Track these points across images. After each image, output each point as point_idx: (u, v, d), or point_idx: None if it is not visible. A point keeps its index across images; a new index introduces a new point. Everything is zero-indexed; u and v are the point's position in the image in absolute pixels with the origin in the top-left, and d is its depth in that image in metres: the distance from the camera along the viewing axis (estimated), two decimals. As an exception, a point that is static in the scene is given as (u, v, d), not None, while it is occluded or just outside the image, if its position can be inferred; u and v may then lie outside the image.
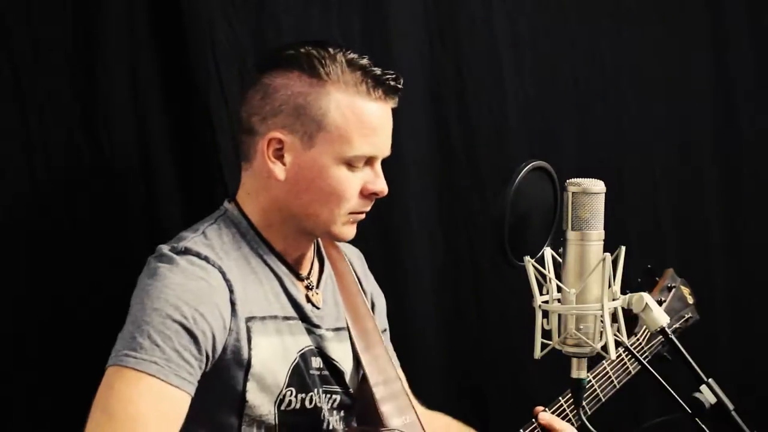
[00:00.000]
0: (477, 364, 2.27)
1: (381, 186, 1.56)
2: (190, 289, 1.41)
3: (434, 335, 2.22)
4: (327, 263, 1.70)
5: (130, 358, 1.34)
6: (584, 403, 1.75)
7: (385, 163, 2.08)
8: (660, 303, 1.93)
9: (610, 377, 1.83)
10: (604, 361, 1.76)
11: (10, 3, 1.67)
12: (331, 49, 1.52)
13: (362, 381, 1.66)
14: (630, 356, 1.83)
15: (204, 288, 1.43)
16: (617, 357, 1.78)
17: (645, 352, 1.87)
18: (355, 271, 1.76)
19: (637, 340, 1.87)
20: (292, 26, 1.96)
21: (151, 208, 1.81)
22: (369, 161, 1.55)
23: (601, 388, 1.82)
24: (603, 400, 1.82)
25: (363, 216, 1.58)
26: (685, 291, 2.00)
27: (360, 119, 1.51)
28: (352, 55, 1.52)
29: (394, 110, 1.59)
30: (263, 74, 1.55)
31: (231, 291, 1.45)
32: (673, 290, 1.98)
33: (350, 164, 1.52)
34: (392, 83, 1.54)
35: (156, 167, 1.82)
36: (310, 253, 1.65)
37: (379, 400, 1.63)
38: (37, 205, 1.71)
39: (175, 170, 1.84)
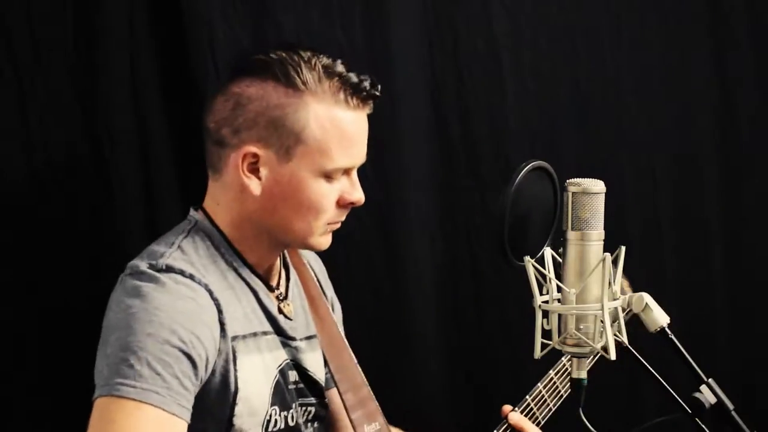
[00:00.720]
0: (477, 364, 2.27)
1: (358, 196, 1.51)
2: (181, 311, 1.34)
3: (434, 335, 2.21)
4: (292, 270, 1.65)
5: (129, 387, 1.27)
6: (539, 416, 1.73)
7: (385, 163, 2.09)
8: None
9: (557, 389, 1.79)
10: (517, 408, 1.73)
11: (10, 3, 1.67)
12: (305, 55, 1.46)
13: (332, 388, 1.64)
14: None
15: (195, 308, 1.36)
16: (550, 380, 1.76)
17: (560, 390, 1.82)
18: (316, 276, 1.72)
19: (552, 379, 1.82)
20: (292, 26, 1.96)
21: (151, 208, 1.81)
22: (346, 171, 1.50)
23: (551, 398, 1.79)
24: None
25: (339, 225, 1.54)
26: (624, 283, 1.98)
27: (339, 131, 1.45)
28: (326, 61, 1.46)
29: (390, 110, 1.58)
30: (233, 82, 1.48)
31: (219, 311, 1.40)
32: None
33: (328, 176, 1.47)
34: (370, 90, 1.48)
35: (156, 167, 1.82)
36: (278, 263, 1.60)
37: (349, 407, 1.58)
38: (37, 205, 1.72)
39: (175, 170, 1.84)
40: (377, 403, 1.65)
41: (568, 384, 1.74)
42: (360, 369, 1.67)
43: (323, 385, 1.61)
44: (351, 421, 1.58)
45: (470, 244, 2.25)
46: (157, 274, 1.37)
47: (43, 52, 1.70)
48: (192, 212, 1.53)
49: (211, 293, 1.39)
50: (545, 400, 1.72)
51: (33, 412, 1.70)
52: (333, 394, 1.66)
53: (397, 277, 2.14)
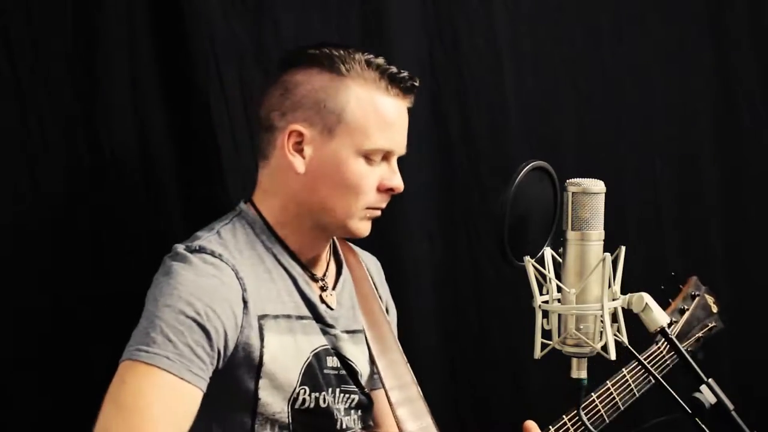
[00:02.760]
0: (477, 364, 2.27)
1: (397, 182, 1.60)
2: (202, 286, 1.42)
3: (434, 335, 2.22)
4: (345, 267, 1.71)
5: (142, 352, 1.35)
6: (603, 412, 1.75)
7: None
8: (683, 311, 1.93)
9: (628, 384, 1.81)
10: (623, 369, 1.75)
11: (10, 3, 1.67)
12: (350, 49, 1.57)
13: (378, 383, 1.67)
14: (656, 361, 1.82)
15: (217, 285, 1.44)
16: (637, 364, 1.76)
17: (666, 360, 1.85)
18: (372, 277, 1.77)
19: (658, 348, 1.85)
20: (292, 26, 1.96)
21: (151, 208, 1.81)
22: (385, 156, 1.58)
23: (620, 395, 1.81)
24: (622, 408, 1.81)
25: (379, 213, 1.61)
26: (710, 299, 1.99)
27: (378, 113, 1.54)
28: (369, 55, 1.56)
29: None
30: (284, 73, 1.58)
31: (243, 289, 1.47)
32: (697, 298, 1.97)
33: (368, 157, 1.55)
34: (408, 82, 1.58)
35: (156, 167, 1.82)
36: (325, 255, 1.66)
37: (395, 403, 1.63)
38: (37, 205, 1.71)
39: (175, 170, 1.84)
40: (427, 404, 1.68)
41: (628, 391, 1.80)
42: (411, 371, 1.71)
43: (364, 377, 1.65)
44: (396, 416, 1.62)
45: (470, 244, 2.25)
46: (189, 254, 1.47)
47: (43, 52, 1.70)
48: (240, 204, 1.61)
49: (236, 273, 1.47)
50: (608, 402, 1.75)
51: (33, 412, 1.70)
52: (379, 395, 1.70)
53: (397, 277, 2.13)
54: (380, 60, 1.56)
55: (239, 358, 1.46)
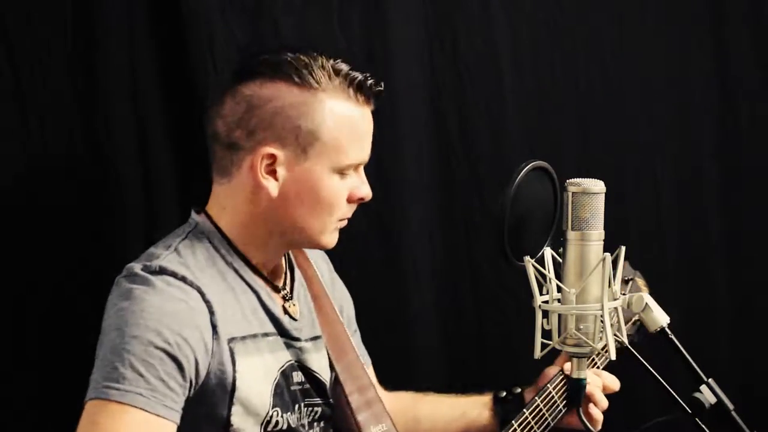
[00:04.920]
0: (477, 364, 2.27)
1: (366, 191, 1.53)
2: (169, 313, 1.34)
3: (434, 335, 2.22)
4: (297, 271, 1.65)
5: (113, 390, 1.28)
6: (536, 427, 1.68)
7: (385, 163, 2.09)
8: None
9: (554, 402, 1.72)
10: (548, 385, 1.69)
11: (10, 3, 1.67)
12: (311, 54, 1.47)
13: (337, 390, 1.62)
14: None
15: (184, 310, 1.36)
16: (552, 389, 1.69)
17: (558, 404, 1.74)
18: (322, 275, 1.71)
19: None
20: (291, 26, 1.96)
21: (151, 208, 1.81)
22: (355, 167, 1.52)
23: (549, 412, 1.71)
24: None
25: (346, 222, 1.55)
26: (640, 282, 1.97)
27: (351, 127, 1.48)
28: (332, 61, 1.48)
29: (390, 110, 1.59)
30: (241, 84, 1.47)
31: (211, 312, 1.39)
32: (630, 282, 1.95)
33: (342, 173, 1.48)
34: (374, 87, 1.51)
35: (156, 167, 1.82)
36: (283, 263, 1.60)
37: (355, 409, 1.59)
38: (37, 205, 1.72)
39: (174, 170, 1.84)
40: (384, 405, 1.64)
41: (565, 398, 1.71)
42: (366, 370, 1.67)
43: (328, 385, 1.61)
44: (357, 422, 1.58)
45: (470, 244, 2.25)
46: (150, 276, 1.37)
47: (43, 52, 1.70)
48: (193, 215, 1.53)
49: (203, 295, 1.39)
50: (543, 414, 1.70)
51: (33, 412, 1.70)
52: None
53: (397, 277, 2.14)
54: (345, 66, 1.47)
55: (212, 385, 1.39)
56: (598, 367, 1.76)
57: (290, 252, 1.64)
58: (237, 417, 1.42)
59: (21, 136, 1.70)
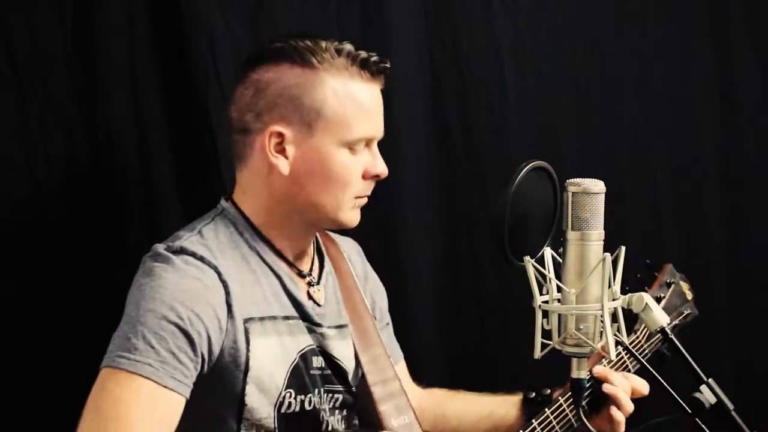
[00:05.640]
0: (477, 364, 2.27)
1: (381, 168, 1.57)
2: (185, 289, 1.39)
3: (434, 335, 2.22)
4: (327, 260, 1.68)
5: (124, 359, 1.32)
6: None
7: (385, 163, 2.08)
8: (659, 299, 1.91)
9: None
10: (603, 360, 1.73)
11: (10, 3, 1.67)
12: (316, 39, 1.53)
13: (361, 380, 1.65)
14: (629, 355, 1.81)
15: (199, 288, 1.41)
16: (617, 356, 1.74)
17: (644, 350, 1.83)
18: (354, 267, 1.74)
19: (637, 338, 1.84)
20: (291, 26, 1.96)
21: (151, 208, 1.82)
22: (367, 143, 1.55)
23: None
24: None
25: (366, 200, 1.58)
26: (684, 286, 1.98)
27: (356, 102, 1.51)
28: (336, 43, 1.52)
29: (390, 110, 1.60)
30: (251, 71, 1.54)
31: (227, 292, 1.44)
32: (672, 286, 1.95)
33: (351, 147, 1.52)
34: (379, 64, 1.54)
35: (156, 167, 1.82)
36: (311, 249, 1.64)
37: (378, 400, 1.61)
38: (37, 205, 1.72)
39: (174, 170, 1.84)
40: (408, 398, 1.66)
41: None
42: (399, 355, 1.72)
43: (350, 374, 1.63)
44: (379, 413, 1.60)
45: (470, 244, 2.25)
46: (170, 255, 1.43)
47: (43, 52, 1.71)
48: (222, 201, 1.58)
49: (220, 275, 1.44)
50: (566, 415, 1.71)
51: (33, 412, 1.70)
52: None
53: (397, 277, 2.14)
54: (348, 46, 1.52)
55: (225, 363, 1.43)
56: (629, 371, 1.77)
57: (321, 241, 1.68)
58: (251, 396, 1.45)
59: (21, 136, 1.70)
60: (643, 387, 1.70)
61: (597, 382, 1.67)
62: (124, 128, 1.79)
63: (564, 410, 1.69)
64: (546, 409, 1.67)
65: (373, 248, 2.07)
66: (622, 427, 1.68)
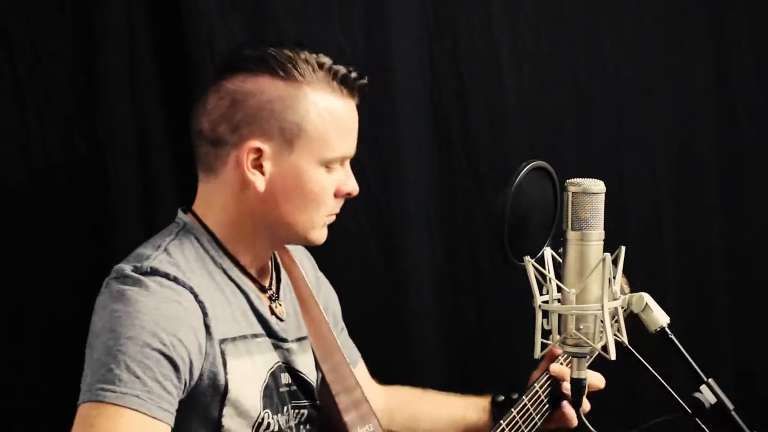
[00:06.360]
0: (477, 365, 2.27)
1: (353, 185, 1.52)
2: (165, 314, 1.32)
3: (434, 335, 2.22)
4: (283, 272, 1.62)
5: (109, 392, 1.25)
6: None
7: (385, 163, 2.09)
8: None
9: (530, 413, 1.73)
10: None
11: (10, 3, 1.68)
12: (295, 49, 1.47)
13: (325, 390, 1.60)
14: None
15: (179, 311, 1.34)
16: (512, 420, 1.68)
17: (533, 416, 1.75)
18: (306, 275, 1.70)
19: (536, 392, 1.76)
20: (291, 26, 1.96)
21: (151, 208, 1.81)
22: (341, 161, 1.50)
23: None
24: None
25: (334, 218, 1.54)
26: (622, 281, 1.97)
27: (337, 120, 1.46)
28: (314, 54, 1.47)
29: (390, 110, 1.59)
30: (225, 79, 1.46)
31: (204, 313, 1.37)
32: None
33: (328, 166, 1.47)
34: (358, 80, 1.49)
35: (155, 167, 1.82)
36: (269, 263, 1.59)
37: (342, 410, 1.57)
38: (37, 205, 1.72)
39: (174, 170, 1.84)
40: (371, 405, 1.63)
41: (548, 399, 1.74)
42: (352, 372, 1.66)
43: (315, 386, 1.59)
44: (344, 423, 1.56)
45: (470, 244, 2.25)
46: (142, 277, 1.35)
47: (43, 52, 1.70)
48: (180, 214, 1.51)
49: (196, 296, 1.37)
50: (530, 414, 1.71)
51: (33, 412, 1.70)
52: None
53: (397, 277, 2.14)
54: (328, 60, 1.46)
55: (204, 387, 1.37)
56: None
57: (276, 253, 1.63)
58: (228, 419, 1.40)
59: (21, 136, 1.70)
60: (599, 381, 1.71)
61: (555, 380, 1.70)
62: (124, 128, 1.78)
63: (529, 410, 1.69)
64: (513, 410, 1.67)
65: (373, 249, 2.07)
66: (575, 423, 1.69)
